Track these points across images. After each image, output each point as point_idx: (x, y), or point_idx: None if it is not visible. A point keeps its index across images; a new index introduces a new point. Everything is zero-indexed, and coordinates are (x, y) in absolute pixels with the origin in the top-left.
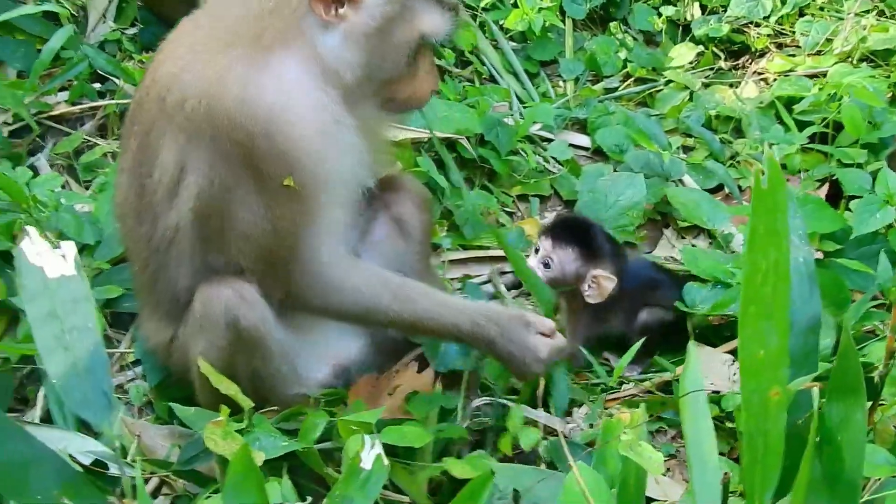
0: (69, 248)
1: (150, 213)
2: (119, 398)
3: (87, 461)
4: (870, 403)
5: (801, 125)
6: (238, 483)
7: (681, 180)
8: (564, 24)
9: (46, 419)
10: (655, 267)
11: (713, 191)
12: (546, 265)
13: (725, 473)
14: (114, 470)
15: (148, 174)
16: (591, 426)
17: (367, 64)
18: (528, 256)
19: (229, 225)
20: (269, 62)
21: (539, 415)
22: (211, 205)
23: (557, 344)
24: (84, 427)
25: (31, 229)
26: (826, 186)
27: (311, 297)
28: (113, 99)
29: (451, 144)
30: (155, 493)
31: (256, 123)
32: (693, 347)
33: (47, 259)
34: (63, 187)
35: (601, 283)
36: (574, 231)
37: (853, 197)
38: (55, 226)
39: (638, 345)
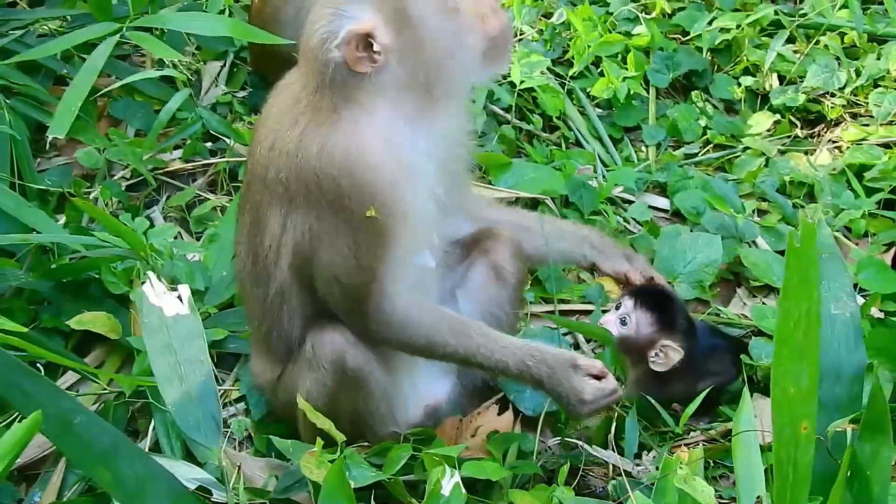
0: (185, 290)
1: (263, 276)
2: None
3: (192, 486)
4: None
5: (871, 192)
6: (331, 497)
7: (754, 242)
8: (648, 93)
9: (155, 449)
10: (715, 332)
11: (782, 254)
12: (623, 322)
13: None
14: (216, 496)
15: (260, 243)
16: (658, 468)
17: (431, 56)
18: (606, 311)
19: (318, 271)
20: (337, 121)
21: (608, 455)
22: (304, 256)
23: (605, 387)
24: (189, 457)
25: (152, 274)
26: (893, 251)
27: (385, 330)
28: (223, 157)
29: (536, 204)
30: None
31: (337, 167)
32: (746, 394)
33: (165, 300)
34: (176, 238)
35: (669, 353)
36: (658, 299)
37: None
38: (169, 272)
39: (704, 394)
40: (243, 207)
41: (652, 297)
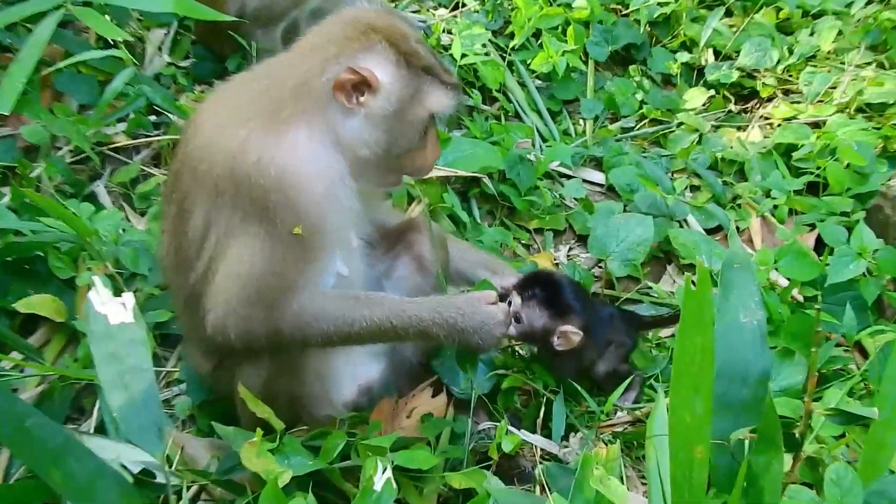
0: (129, 298)
1: (184, 266)
2: (165, 412)
3: (136, 469)
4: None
5: (799, 171)
6: None
7: (685, 220)
8: (587, 66)
9: (99, 429)
10: (604, 303)
11: (714, 230)
12: (517, 320)
13: None
14: (160, 478)
15: (184, 234)
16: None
17: (385, 141)
18: None
19: (228, 267)
20: (285, 133)
21: (536, 438)
22: (217, 253)
23: (506, 308)
24: None
25: (98, 280)
26: (815, 232)
27: (295, 328)
28: (167, 132)
29: (475, 180)
30: (195, 499)
31: (271, 181)
32: (661, 396)
33: (111, 308)
34: (119, 210)
35: (569, 336)
36: (543, 289)
37: None
38: (113, 255)
39: (626, 382)
40: (169, 196)
41: (538, 288)
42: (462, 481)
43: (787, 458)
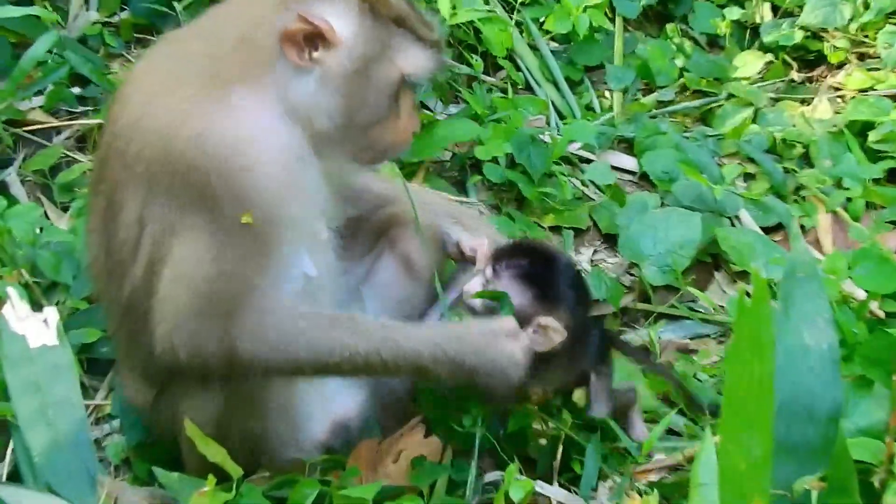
0: (52, 314)
1: (118, 272)
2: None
3: None
4: None
5: (878, 156)
6: None
7: (737, 216)
8: (614, 25)
9: (14, 476)
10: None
11: (773, 229)
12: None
13: None
14: None
15: (115, 233)
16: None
17: (345, 109)
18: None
19: (170, 274)
20: (227, 99)
21: (556, 492)
22: (162, 253)
23: (526, 343)
24: None
25: (13, 292)
26: None
27: (258, 350)
28: (95, 109)
29: (475, 165)
30: None
31: (211, 161)
32: (708, 436)
33: (29, 326)
34: (36, 203)
35: (549, 333)
36: (531, 263)
37: None
38: (30, 259)
39: (666, 421)
40: (97, 187)
41: (524, 259)
42: None
43: None
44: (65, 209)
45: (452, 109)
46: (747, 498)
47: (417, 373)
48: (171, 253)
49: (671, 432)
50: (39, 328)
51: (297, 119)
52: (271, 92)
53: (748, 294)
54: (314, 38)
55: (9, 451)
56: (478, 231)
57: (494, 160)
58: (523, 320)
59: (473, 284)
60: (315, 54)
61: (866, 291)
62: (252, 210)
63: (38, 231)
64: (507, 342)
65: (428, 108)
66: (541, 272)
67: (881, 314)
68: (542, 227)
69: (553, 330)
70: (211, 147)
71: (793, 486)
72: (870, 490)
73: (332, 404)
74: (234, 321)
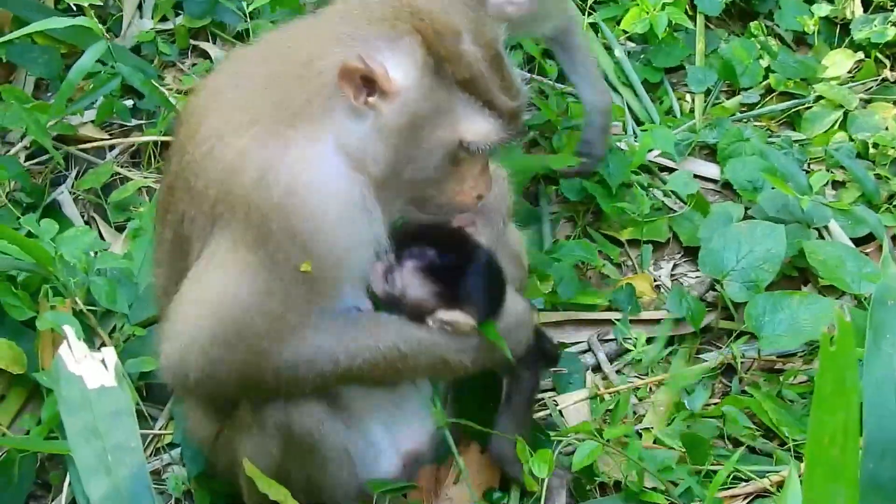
0: (109, 354)
1: None
2: (155, 487)
3: None
4: None
5: None
6: None
7: (825, 227)
8: (695, 24)
9: None
10: None
11: (864, 240)
12: (386, 277)
13: None
14: None
15: (185, 268)
16: None
17: (395, 162)
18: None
19: (196, 293)
20: (291, 140)
21: None
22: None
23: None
24: None
25: (70, 331)
26: None
27: (280, 378)
28: (148, 122)
29: (548, 176)
30: None
31: (272, 206)
32: (794, 473)
33: (87, 367)
34: (88, 224)
35: (458, 326)
36: (439, 251)
37: None
38: (83, 287)
39: (735, 457)
40: (163, 217)
41: (433, 248)
42: None
43: None
44: (119, 230)
45: (526, 116)
46: None
47: (438, 362)
48: (205, 276)
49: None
50: (97, 369)
51: (355, 162)
52: (331, 132)
53: (832, 339)
54: (371, 82)
55: (65, 486)
56: None
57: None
58: (423, 313)
59: (376, 271)
60: (370, 99)
61: None
62: (309, 258)
63: (91, 255)
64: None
65: None
66: (447, 264)
67: None
68: (620, 242)
69: (460, 323)
70: (274, 193)
71: None
72: None
73: (401, 438)
74: (262, 357)
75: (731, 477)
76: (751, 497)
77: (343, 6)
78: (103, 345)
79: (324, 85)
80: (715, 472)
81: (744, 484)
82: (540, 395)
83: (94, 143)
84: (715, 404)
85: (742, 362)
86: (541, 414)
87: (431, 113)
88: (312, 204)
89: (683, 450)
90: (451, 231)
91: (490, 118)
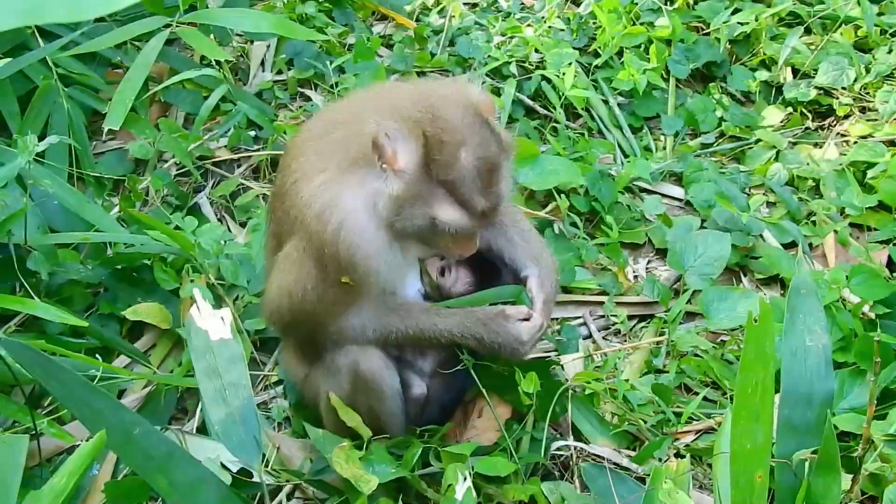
0: (226, 314)
1: None
2: (263, 413)
3: (234, 469)
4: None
5: (873, 189)
6: None
7: (760, 236)
8: (668, 84)
9: (202, 429)
10: None
11: (789, 246)
12: (442, 272)
13: None
14: (257, 477)
15: (278, 251)
16: (660, 460)
17: (396, 215)
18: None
19: (280, 279)
20: (346, 187)
21: (606, 451)
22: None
23: (535, 324)
24: None
25: (198, 294)
26: (887, 249)
27: (332, 339)
28: (265, 147)
29: (561, 190)
30: (290, 496)
31: (326, 235)
32: (729, 416)
33: (210, 323)
34: (220, 221)
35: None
36: (485, 265)
37: None
38: (215, 266)
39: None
40: (270, 218)
41: (479, 262)
42: (536, 490)
43: (848, 478)
44: (242, 225)
45: (542, 147)
46: (753, 471)
47: (453, 344)
48: (287, 268)
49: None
50: (218, 325)
51: (374, 207)
52: (367, 182)
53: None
54: (384, 156)
55: (198, 411)
56: (545, 284)
57: (575, 190)
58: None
59: (433, 271)
60: (384, 166)
61: (861, 298)
62: (349, 273)
63: (221, 244)
64: (512, 324)
65: None
66: (487, 272)
67: (872, 315)
68: (612, 242)
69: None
70: (329, 227)
71: (793, 455)
72: (851, 462)
73: (411, 389)
74: (316, 324)
75: (688, 417)
76: (701, 432)
77: (391, 93)
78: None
79: (365, 149)
80: (677, 413)
81: (696, 422)
82: (546, 355)
83: (225, 159)
84: (677, 364)
85: (699, 334)
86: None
87: (415, 195)
88: (351, 240)
89: (653, 395)
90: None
91: (461, 213)
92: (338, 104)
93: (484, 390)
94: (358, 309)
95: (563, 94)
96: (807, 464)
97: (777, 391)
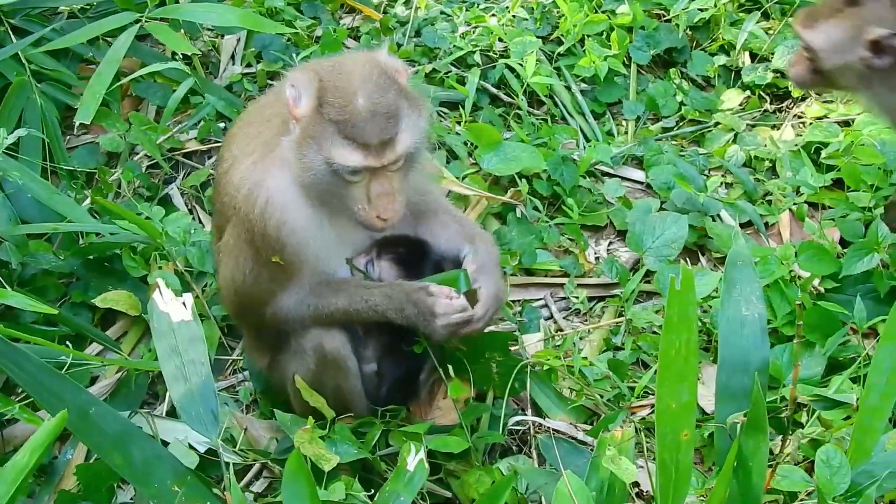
0: (188, 298)
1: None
2: (231, 396)
3: (202, 449)
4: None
5: (829, 168)
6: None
7: (718, 215)
8: (629, 70)
9: (171, 412)
10: None
11: (746, 225)
12: (366, 267)
13: None
14: (226, 457)
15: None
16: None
17: (303, 170)
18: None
19: (223, 270)
20: (268, 171)
21: (562, 426)
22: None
23: (454, 303)
24: None
25: (161, 282)
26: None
27: (275, 320)
28: None
29: (523, 175)
30: (257, 475)
31: (255, 215)
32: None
33: (172, 307)
34: (191, 212)
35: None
36: (408, 251)
37: None
38: (183, 254)
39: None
40: (214, 214)
41: (402, 248)
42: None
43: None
44: (211, 214)
45: (506, 135)
46: (678, 430)
47: (383, 318)
48: (225, 259)
49: None
50: (179, 308)
51: (294, 176)
52: (285, 157)
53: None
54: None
55: (167, 396)
56: (488, 274)
57: (538, 175)
58: None
59: (359, 259)
60: (292, 123)
61: (809, 273)
62: (279, 252)
63: (189, 232)
64: (430, 299)
65: None
66: (411, 261)
67: (821, 290)
68: (573, 224)
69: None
70: (256, 207)
71: (727, 418)
72: (780, 423)
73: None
74: (259, 305)
75: (642, 391)
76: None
77: (315, 63)
78: (196, 296)
79: (283, 118)
80: (632, 388)
81: (651, 396)
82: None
83: (195, 151)
84: (633, 341)
85: (656, 312)
86: (514, 348)
87: (310, 136)
88: (277, 217)
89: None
90: (411, 238)
91: (349, 147)
92: (264, 97)
93: (440, 370)
94: (292, 288)
95: (525, 81)
96: (738, 426)
97: (715, 360)
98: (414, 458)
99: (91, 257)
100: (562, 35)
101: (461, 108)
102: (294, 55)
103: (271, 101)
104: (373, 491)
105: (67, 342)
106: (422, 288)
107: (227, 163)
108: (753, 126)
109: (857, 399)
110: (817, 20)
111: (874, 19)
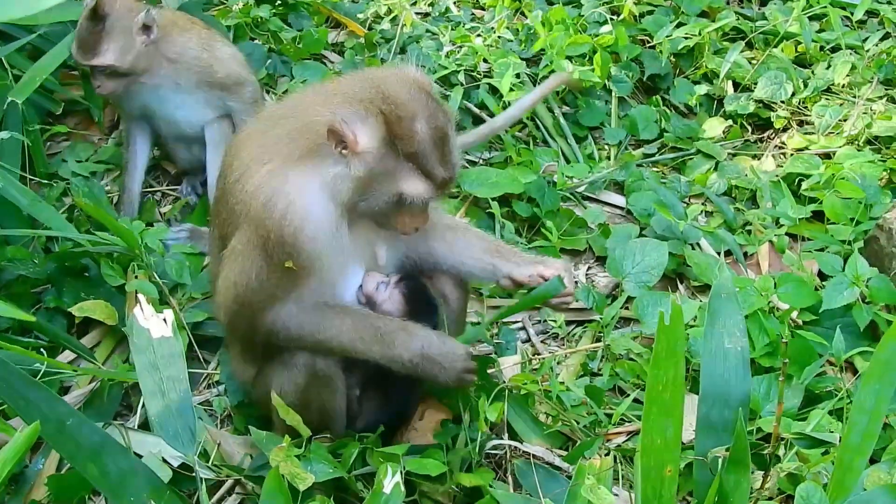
0: (169, 315)
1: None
2: (205, 409)
3: (175, 463)
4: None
5: (809, 200)
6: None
7: (698, 244)
8: (611, 95)
9: (144, 425)
10: None
11: (726, 255)
12: (377, 287)
13: None
14: (201, 472)
15: (223, 249)
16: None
17: (358, 196)
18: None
19: (226, 273)
20: (288, 176)
21: (539, 450)
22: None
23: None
24: None
25: (142, 298)
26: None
27: (269, 332)
28: None
29: (506, 201)
30: (229, 491)
31: (272, 222)
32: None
33: (153, 323)
34: (168, 223)
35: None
36: (419, 293)
37: None
38: (160, 266)
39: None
40: (214, 221)
41: (415, 288)
42: (471, 480)
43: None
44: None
45: (487, 154)
46: (663, 466)
47: (387, 350)
48: (229, 265)
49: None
50: (160, 325)
51: (331, 194)
52: (319, 172)
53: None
54: (344, 141)
55: (140, 407)
56: (513, 259)
57: (519, 197)
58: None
59: (369, 283)
60: (344, 151)
61: (788, 304)
62: (293, 258)
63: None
64: (454, 341)
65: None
66: (419, 302)
67: (800, 322)
68: (552, 247)
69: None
70: (274, 213)
71: (708, 452)
72: (763, 460)
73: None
74: (258, 314)
75: (619, 419)
76: (632, 434)
77: (336, 85)
78: (171, 306)
79: (318, 139)
80: (609, 415)
81: (628, 423)
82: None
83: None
84: (611, 367)
85: (634, 338)
86: (491, 371)
87: (382, 172)
88: (297, 222)
89: (586, 397)
90: (421, 282)
91: (425, 183)
92: (278, 103)
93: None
94: (294, 297)
95: (503, 98)
96: (720, 460)
97: (697, 392)
98: (390, 481)
99: (67, 264)
100: (541, 54)
101: None
102: (279, 63)
103: (285, 115)
104: None
105: (41, 350)
106: (461, 355)
107: (237, 172)
108: (734, 155)
109: (840, 437)
110: None
111: None
